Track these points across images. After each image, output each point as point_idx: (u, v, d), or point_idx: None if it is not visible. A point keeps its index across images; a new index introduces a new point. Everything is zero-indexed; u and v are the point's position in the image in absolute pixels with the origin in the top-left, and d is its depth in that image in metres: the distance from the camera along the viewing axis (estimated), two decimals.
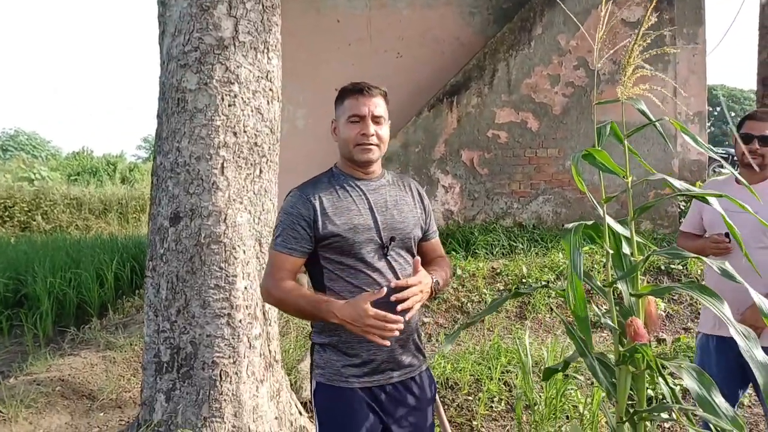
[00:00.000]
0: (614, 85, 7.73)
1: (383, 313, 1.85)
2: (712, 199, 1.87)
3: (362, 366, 2.03)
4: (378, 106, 2.07)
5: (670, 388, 2.04)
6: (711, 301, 1.74)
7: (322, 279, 2.06)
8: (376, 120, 2.06)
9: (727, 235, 2.70)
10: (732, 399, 2.79)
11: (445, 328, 5.63)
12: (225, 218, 3.17)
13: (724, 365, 2.73)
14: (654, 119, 1.95)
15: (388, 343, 1.88)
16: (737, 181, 2.87)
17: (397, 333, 1.87)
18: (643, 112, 1.97)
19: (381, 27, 8.38)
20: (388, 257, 2.05)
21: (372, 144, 2.05)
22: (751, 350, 1.57)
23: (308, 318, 2.04)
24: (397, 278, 2.04)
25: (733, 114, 43.32)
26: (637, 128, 2.03)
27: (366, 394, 2.03)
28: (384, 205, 2.10)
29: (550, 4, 7.77)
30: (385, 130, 2.10)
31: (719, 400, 1.66)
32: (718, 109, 42.28)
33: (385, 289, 1.94)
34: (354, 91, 2.08)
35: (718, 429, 1.66)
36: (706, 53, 8.13)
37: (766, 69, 7.11)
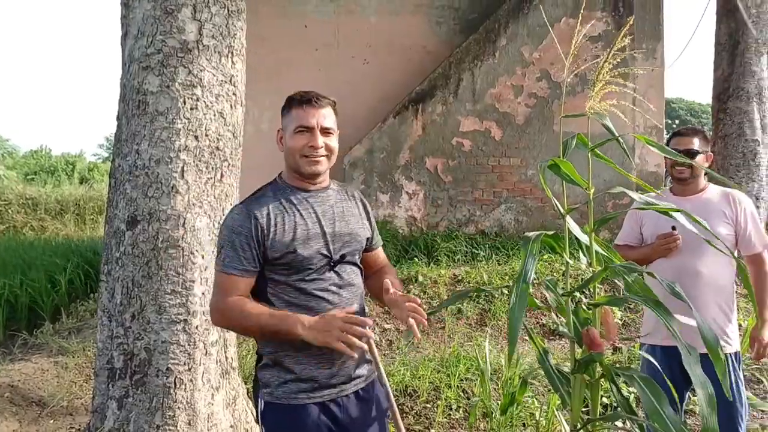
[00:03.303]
0: (576, 97, 7.87)
1: (353, 316, 1.83)
2: (677, 214, 1.93)
3: (311, 381, 1.98)
4: (327, 117, 2.02)
5: (623, 397, 2.07)
6: (662, 314, 1.78)
7: (266, 294, 2.00)
8: (326, 132, 2.02)
9: (673, 228, 2.79)
10: (681, 401, 2.91)
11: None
12: (184, 222, 3.13)
13: (670, 373, 2.82)
14: (617, 134, 2.00)
15: (356, 354, 1.84)
16: (673, 193, 3.00)
17: (365, 345, 1.84)
18: (607, 128, 2.02)
19: (348, 33, 8.39)
20: (336, 270, 2.02)
21: (320, 156, 2.01)
22: (691, 367, 1.62)
23: (270, 335, 1.93)
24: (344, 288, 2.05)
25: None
26: (602, 141, 2.05)
27: (319, 410, 1.98)
28: (332, 216, 2.06)
29: (515, 17, 7.88)
30: (333, 141, 2.05)
31: (669, 411, 1.70)
32: (677, 122, 43.34)
33: (355, 307, 1.99)
34: (302, 101, 2.01)
35: None
36: (665, 68, 8.33)
37: (721, 85, 7.36)
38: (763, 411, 4.18)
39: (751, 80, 7.16)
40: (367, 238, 2.19)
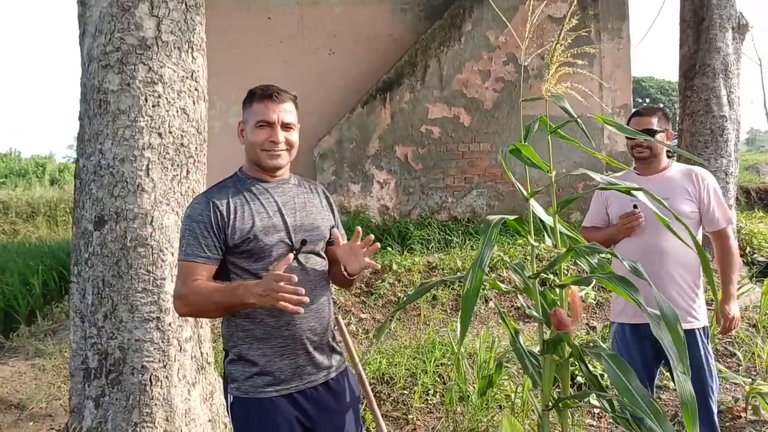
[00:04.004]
0: (542, 80, 7.90)
1: (287, 276, 1.77)
2: (638, 193, 1.96)
3: (277, 374, 2.00)
4: (288, 112, 2.05)
5: (593, 375, 2.11)
6: (628, 291, 1.81)
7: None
8: (286, 127, 2.04)
9: (635, 206, 2.83)
10: (651, 379, 2.97)
11: (382, 323, 5.67)
12: (151, 221, 3.13)
13: (641, 350, 2.88)
14: (576, 115, 2.01)
15: (301, 310, 1.80)
16: (636, 172, 3.04)
17: (306, 299, 1.79)
18: (565, 109, 2.02)
19: (313, 24, 8.36)
20: (298, 258, 2.04)
21: (281, 150, 2.04)
22: (661, 335, 1.64)
23: (228, 310, 1.94)
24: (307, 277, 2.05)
25: (661, 105, 45.01)
26: (560, 124, 2.05)
27: (288, 402, 2.01)
28: (293, 207, 2.09)
29: (479, 1, 7.91)
30: (294, 136, 2.08)
31: (636, 385, 1.72)
32: (647, 100, 43.78)
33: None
34: (263, 96, 2.04)
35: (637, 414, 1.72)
36: (630, 47, 8.42)
37: (687, 62, 7.39)
38: (735, 383, 4.28)
39: (717, 56, 7.18)
40: (330, 229, 2.20)
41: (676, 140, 7.71)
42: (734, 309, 2.95)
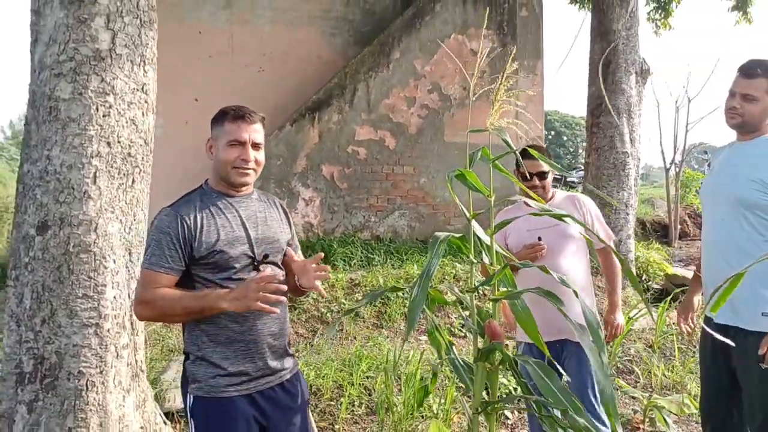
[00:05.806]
0: (464, 109, 8.35)
1: (265, 276, 1.98)
2: (567, 219, 2.22)
3: (239, 375, 2.13)
4: (258, 132, 2.21)
5: (521, 381, 2.33)
6: (555, 303, 2.05)
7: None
8: (256, 146, 2.20)
9: (540, 238, 3.12)
10: None
11: (306, 338, 5.79)
12: (96, 227, 3.17)
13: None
14: (513, 148, 2.25)
15: (277, 310, 2.01)
16: (527, 204, 3.33)
17: (283, 298, 1.99)
18: (506, 142, 2.25)
19: (243, 41, 8.46)
20: (259, 270, 2.18)
21: (250, 168, 2.18)
22: (582, 338, 1.89)
23: (195, 315, 2.06)
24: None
25: (565, 138, 47.20)
26: (500, 155, 2.28)
27: (247, 402, 2.13)
28: (255, 221, 2.23)
29: (408, 31, 8.25)
30: (262, 155, 2.24)
31: (558, 385, 1.95)
32: (552, 133, 45.76)
33: (277, 308, 2.14)
34: (236, 116, 2.18)
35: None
36: (544, 83, 8.97)
37: (594, 101, 7.97)
38: (634, 398, 4.67)
39: (621, 97, 7.78)
40: (288, 242, 2.36)
41: (582, 172, 8.20)
42: (619, 317, 3.30)
